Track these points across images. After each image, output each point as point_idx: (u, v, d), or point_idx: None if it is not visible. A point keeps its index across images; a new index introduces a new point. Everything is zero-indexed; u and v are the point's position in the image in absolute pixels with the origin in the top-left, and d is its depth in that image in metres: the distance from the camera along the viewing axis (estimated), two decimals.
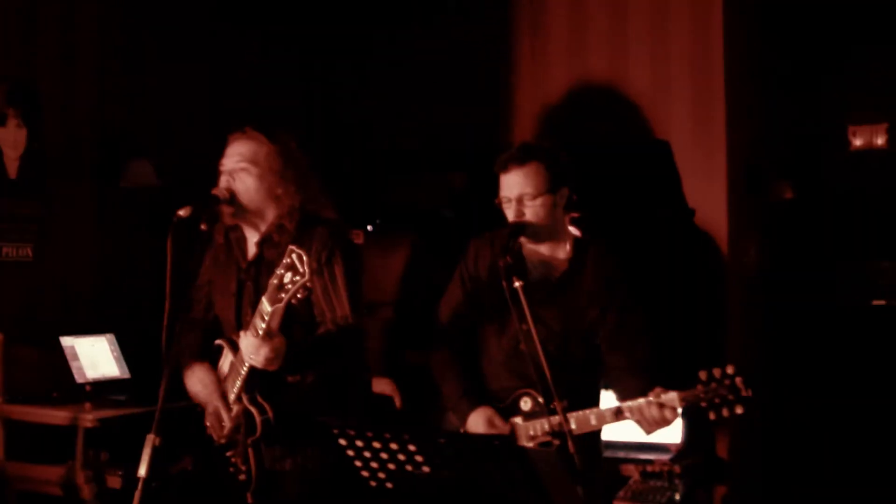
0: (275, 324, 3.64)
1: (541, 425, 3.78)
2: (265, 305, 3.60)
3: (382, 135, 7.07)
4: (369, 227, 6.53)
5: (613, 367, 3.90)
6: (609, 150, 6.21)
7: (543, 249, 3.96)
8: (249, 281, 4.00)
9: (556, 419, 3.65)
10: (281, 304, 3.54)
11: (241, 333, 3.73)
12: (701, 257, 6.11)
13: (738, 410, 3.53)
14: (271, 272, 3.63)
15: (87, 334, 5.57)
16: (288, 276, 3.49)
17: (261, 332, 3.63)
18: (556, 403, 3.54)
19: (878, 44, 7.91)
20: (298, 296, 3.52)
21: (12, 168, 5.53)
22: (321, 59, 7.16)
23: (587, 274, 3.94)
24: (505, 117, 6.81)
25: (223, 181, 3.97)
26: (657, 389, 3.64)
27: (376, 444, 3.22)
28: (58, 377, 5.41)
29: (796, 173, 7.82)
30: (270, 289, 3.55)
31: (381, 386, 5.76)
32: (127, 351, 5.69)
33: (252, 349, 3.67)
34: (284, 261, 3.50)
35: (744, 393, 3.52)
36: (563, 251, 3.98)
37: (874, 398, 7.49)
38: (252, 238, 4.04)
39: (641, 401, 3.65)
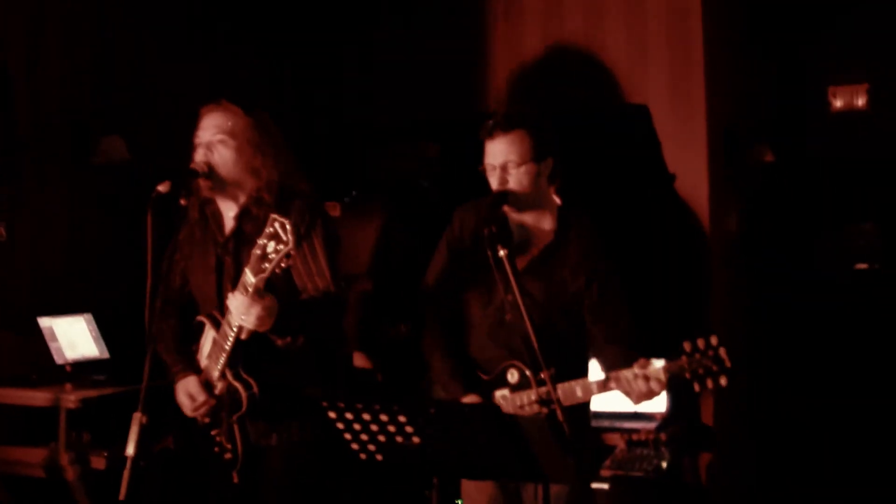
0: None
1: (528, 395, 3.86)
2: (249, 276, 3.64)
3: (356, 106, 7.10)
4: (346, 200, 6.58)
5: (597, 337, 3.97)
6: (586, 115, 6.28)
7: (527, 219, 4.01)
8: (228, 255, 4.04)
9: (543, 388, 3.74)
10: (265, 274, 3.58)
11: (230, 294, 3.76)
12: (682, 223, 6.20)
13: (723, 382, 3.60)
14: (250, 245, 3.68)
15: (65, 314, 5.59)
16: (271, 246, 3.53)
17: (250, 290, 3.66)
18: (543, 372, 3.63)
19: (856, 4, 7.99)
20: (282, 265, 3.56)
21: None
22: (291, 30, 7.18)
23: (571, 245, 4.00)
24: (478, 84, 6.85)
25: (200, 154, 4.00)
26: (642, 360, 3.72)
27: (366, 416, 3.31)
28: (36, 358, 5.43)
29: (776, 136, 7.91)
30: (253, 259, 3.59)
31: (361, 360, 5.84)
32: (105, 330, 5.72)
33: (243, 308, 3.69)
34: (267, 230, 3.54)
35: (727, 364, 3.60)
36: (547, 222, 4.04)
37: (857, 367, 7.62)
38: (229, 212, 4.08)
39: (627, 372, 3.72)
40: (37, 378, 5.37)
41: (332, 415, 3.36)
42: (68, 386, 5.26)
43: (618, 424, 5.51)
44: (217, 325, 3.96)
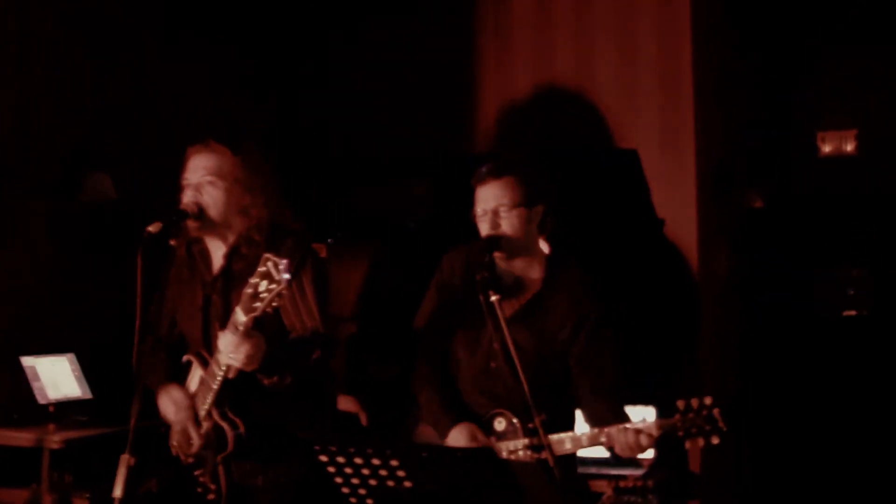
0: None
1: (514, 444, 3.95)
2: (239, 315, 3.69)
3: (343, 143, 7.17)
4: (329, 241, 6.63)
5: (583, 388, 4.06)
6: (575, 158, 6.38)
7: (516, 266, 4.10)
8: (216, 294, 4.09)
9: (533, 437, 3.83)
10: (256, 313, 3.64)
11: (220, 333, 3.81)
12: (671, 268, 6.29)
13: (714, 441, 3.74)
14: (239, 285, 3.76)
15: (48, 354, 5.64)
16: (263, 285, 3.59)
17: (241, 329, 3.72)
18: (534, 417, 3.72)
19: (846, 48, 8.12)
20: (274, 304, 3.62)
21: None
22: (279, 64, 7.26)
23: (560, 294, 4.10)
24: (468, 122, 6.94)
25: (189, 195, 4.06)
26: (641, 423, 3.83)
27: (358, 460, 3.38)
28: (18, 398, 5.48)
29: (765, 180, 8.01)
30: (244, 298, 3.64)
31: (346, 403, 5.89)
32: (87, 370, 5.77)
33: (232, 347, 3.75)
34: (259, 269, 3.59)
35: (721, 425, 3.73)
36: (535, 270, 4.13)
37: (845, 410, 7.71)
38: (217, 251, 4.14)
39: (619, 427, 3.83)
40: (18, 417, 5.41)
41: (323, 458, 3.42)
42: (51, 426, 5.30)
43: (604, 471, 5.55)
44: (205, 364, 4.02)
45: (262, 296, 3.60)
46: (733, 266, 7.27)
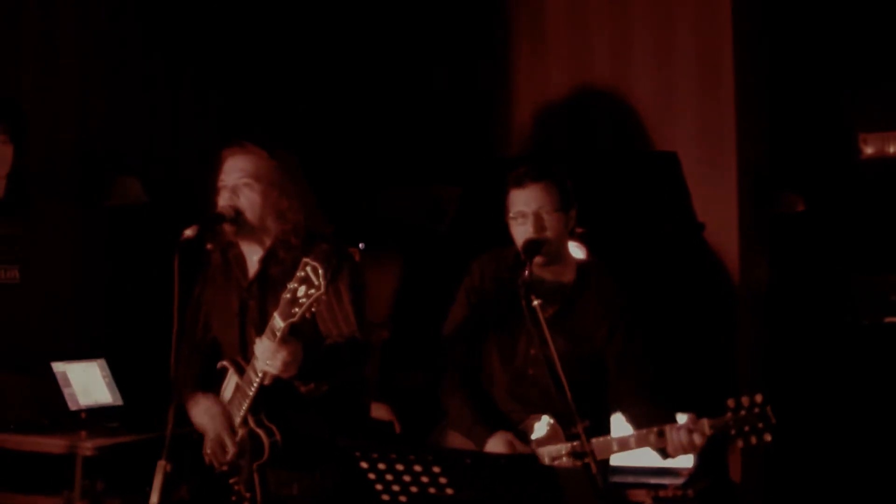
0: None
1: (556, 449, 3.99)
2: (277, 321, 3.74)
3: (373, 146, 7.22)
4: (361, 246, 6.67)
5: (625, 390, 4.11)
6: (614, 161, 6.42)
7: (550, 271, 4.17)
8: (252, 300, 4.15)
9: (576, 442, 3.87)
10: (294, 319, 3.68)
11: (257, 339, 3.86)
12: (710, 273, 6.31)
13: (767, 438, 3.80)
14: (276, 290, 3.83)
15: (79, 359, 5.69)
16: (302, 290, 3.63)
17: (278, 335, 3.76)
18: (577, 423, 3.76)
19: (889, 48, 8.11)
20: (313, 310, 3.66)
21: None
22: (303, 69, 7.31)
23: (592, 297, 4.17)
24: (501, 127, 6.98)
25: (225, 198, 4.12)
26: (691, 415, 3.87)
27: (399, 467, 3.42)
28: (48, 404, 5.53)
29: (806, 184, 8.02)
30: (283, 303, 3.69)
31: (379, 412, 5.93)
32: (118, 376, 5.82)
33: (269, 353, 3.80)
34: (298, 274, 3.64)
35: (773, 421, 3.79)
36: (567, 274, 4.20)
37: (887, 419, 7.69)
38: (253, 255, 4.19)
39: (671, 426, 3.88)
40: (49, 424, 5.46)
41: (363, 465, 3.47)
42: (83, 433, 5.33)
43: (643, 480, 5.58)
44: (240, 371, 4.08)
45: (300, 301, 3.64)
46: (773, 271, 7.28)
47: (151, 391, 5.41)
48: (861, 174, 8.44)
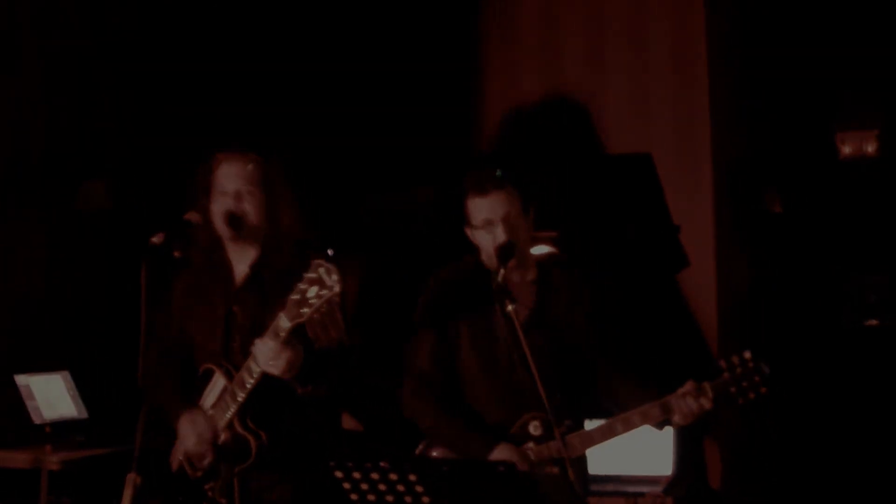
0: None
1: (549, 448, 4.06)
2: (283, 321, 3.80)
3: (346, 149, 7.23)
4: (329, 252, 6.68)
5: (614, 376, 4.18)
6: (587, 164, 6.47)
7: (516, 274, 4.22)
8: (238, 305, 4.19)
9: (555, 445, 3.94)
10: (302, 319, 3.76)
11: (258, 340, 3.91)
12: (687, 275, 6.37)
13: (763, 391, 3.97)
14: (267, 295, 3.92)
15: (42, 372, 5.70)
16: (313, 291, 3.70)
17: (282, 336, 3.83)
18: (556, 426, 3.84)
19: (864, 46, 8.18)
20: (322, 310, 3.75)
21: None
22: (280, 70, 7.33)
23: (559, 289, 4.23)
24: (474, 128, 7.01)
25: (227, 203, 4.15)
26: (690, 382, 3.98)
27: (374, 476, 3.47)
28: (11, 418, 5.54)
29: (783, 184, 8.08)
30: (290, 304, 3.75)
31: (347, 421, 5.97)
32: (82, 389, 5.83)
33: (273, 354, 3.86)
34: (309, 275, 3.70)
35: (766, 371, 3.96)
36: (531, 273, 4.26)
37: (867, 421, 7.76)
38: (241, 261, 4.24)
39: (676, 395, 3.97)
40: (14, 438, 5.46)
41: (338, 474, 3.51)
42: (48, 447, 5.35)
43: (622, 488, 5.63)
44: (228, 375, 4.11)
45: (310, 302, 3.72)
46: (753, 272, 7.34)
47: (118, 403, 5.44)
48: (839, 174, 8.51)
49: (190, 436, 4.18)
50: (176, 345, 4.36)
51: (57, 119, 6.23)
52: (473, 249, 4.24)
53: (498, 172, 4.16)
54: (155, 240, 4.04)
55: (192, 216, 4.18)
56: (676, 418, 4.00)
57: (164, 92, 6.71)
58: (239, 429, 4.07)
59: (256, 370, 3.94)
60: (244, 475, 4.10)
